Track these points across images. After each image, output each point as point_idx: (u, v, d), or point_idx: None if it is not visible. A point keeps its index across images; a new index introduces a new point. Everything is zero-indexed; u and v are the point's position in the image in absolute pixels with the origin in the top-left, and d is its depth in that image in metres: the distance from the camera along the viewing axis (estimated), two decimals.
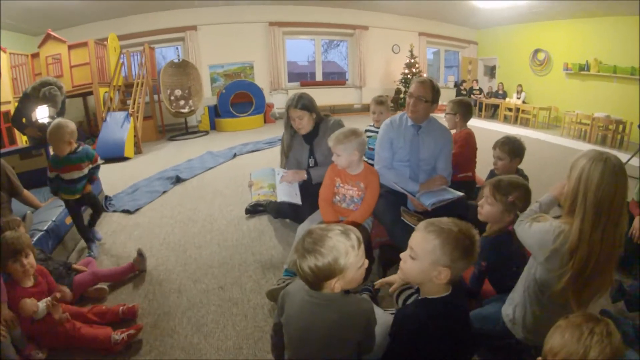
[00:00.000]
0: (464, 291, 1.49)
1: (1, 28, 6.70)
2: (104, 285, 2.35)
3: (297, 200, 2.52)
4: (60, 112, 4.16)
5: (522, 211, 1.71)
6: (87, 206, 2.99)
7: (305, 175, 2.65)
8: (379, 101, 3.35)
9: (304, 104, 2.57)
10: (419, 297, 1.32)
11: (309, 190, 2.59)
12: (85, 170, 2.75)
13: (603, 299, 2.00)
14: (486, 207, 1.81)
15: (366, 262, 1.25)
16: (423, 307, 1.27)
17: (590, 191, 1.30)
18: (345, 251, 1.17)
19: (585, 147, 6.86)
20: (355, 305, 1.27)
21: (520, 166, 2.66)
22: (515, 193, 1.75)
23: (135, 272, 2.53)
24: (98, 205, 2.96)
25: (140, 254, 2.54)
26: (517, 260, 1.72)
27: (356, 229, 1.24)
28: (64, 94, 4.10)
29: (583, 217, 1.31)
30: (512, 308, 1.57)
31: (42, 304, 1.76)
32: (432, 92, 2.43)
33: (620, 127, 7.31)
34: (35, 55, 6.84)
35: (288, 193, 2.54)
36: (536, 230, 1.45)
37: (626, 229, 1.38)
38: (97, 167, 2.88)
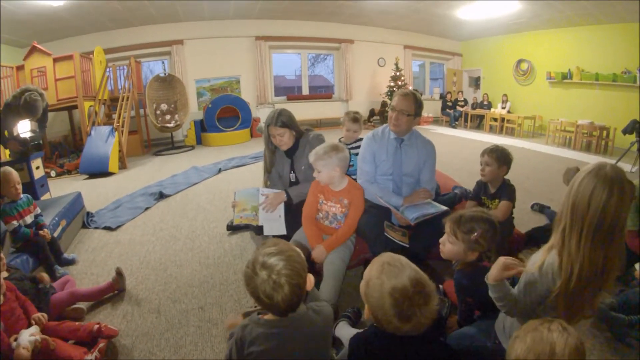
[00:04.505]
0: (437, 328, 1.38)
1: None
2: (81, 305, 2.28)
3: (280, 229, 2.50)
4: (42, 120, 4.06)
5: (487, 250, 1.64)
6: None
7: (285, 196, 2.60)
8: (355, 118, 3.26)
9: (283, 121, 2.54)
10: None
11: (292, 207, 2.56)
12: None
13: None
14: (448, 245, 1.70)
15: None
16: (375, 336, 1.22)
17: (570, 197, 1.28)
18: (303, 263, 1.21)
19: (570, 154, 7.02)
20: (321, 315, 1.30)
21: (506, 176, 2.64)
22: (479, 230, 1.61)
23: (114, 291, 2.45)
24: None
25: (119, 273, 2.47)
26: None
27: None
28: (46, 101, 3.98)
29: (564, 226, 1.29)
30: (504, 319, 1.55)
31: (30, 339, 1.68)
32: (414, 105, 2.41)
33: (604, 133, 7.47)
34: (20, 68, 6.74)
35: (270, 217, 2.51)
36: (536, 280, 1.35)
37: (623, 258, 1.31)
38: None
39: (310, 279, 1.24)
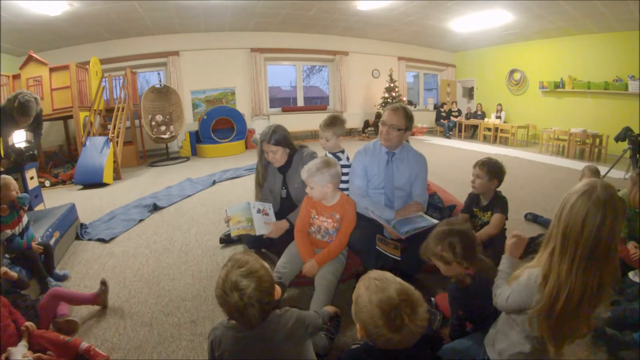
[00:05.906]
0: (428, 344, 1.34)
1: None
2: (74, 318, 2.24)
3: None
4: (37, 127, 4.02)
5: (462, 258, 1.66)
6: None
7: (287, 225, 2.60)
8: (327, 123, 2.84)
9: (277, 139, 2.57)
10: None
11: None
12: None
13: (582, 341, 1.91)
14: (439, 265, 1.75)
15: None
16: (366, 351, 1.23)
17: (561, 221, 1.24)
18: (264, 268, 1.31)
19: (564, 162, 7.08)
20: (287, 317, 1.39)
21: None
22: (438, 247, 1.68)
23: (96, 304, 2.39)
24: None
25: (104, 283, 2.41)
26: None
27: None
28: (40, 107, 3.95)
29: (553, 248, 1.26)
30: (495, 336, 1.55)
31: None
32: (405, 119, 2.44)
33: (597, 140, 7.59)
34: (16, 77, 6.73)
35: (266, 227, 2.53)
36: (516, 290, 1.37)
37: (618, 274, 1.28)
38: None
39: (278, 290, 1.35)
